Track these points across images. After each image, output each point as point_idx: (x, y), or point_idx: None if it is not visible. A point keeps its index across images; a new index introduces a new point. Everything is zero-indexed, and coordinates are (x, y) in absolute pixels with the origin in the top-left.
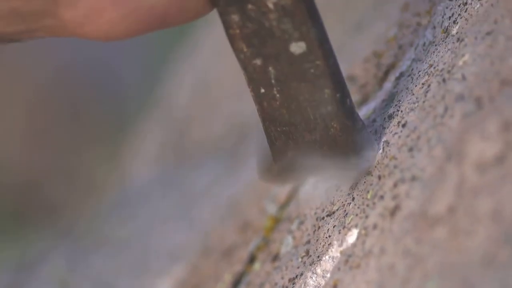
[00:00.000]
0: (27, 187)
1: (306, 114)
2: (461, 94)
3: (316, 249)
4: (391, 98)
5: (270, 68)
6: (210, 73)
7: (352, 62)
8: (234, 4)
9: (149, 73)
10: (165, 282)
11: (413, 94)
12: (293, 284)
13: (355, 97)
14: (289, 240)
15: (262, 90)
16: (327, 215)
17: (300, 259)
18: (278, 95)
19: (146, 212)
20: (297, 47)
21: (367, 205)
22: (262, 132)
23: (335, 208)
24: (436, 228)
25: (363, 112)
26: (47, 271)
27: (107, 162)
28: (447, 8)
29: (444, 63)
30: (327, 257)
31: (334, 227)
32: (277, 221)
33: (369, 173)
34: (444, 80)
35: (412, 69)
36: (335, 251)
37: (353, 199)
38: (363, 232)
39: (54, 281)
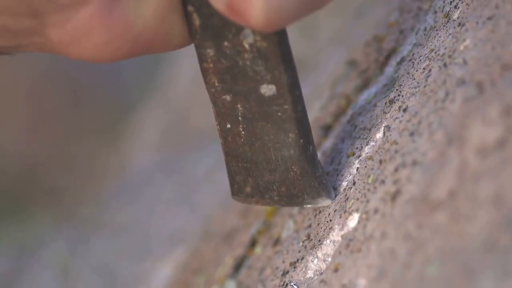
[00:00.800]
0: (28, 174)
1: (269, 154)
2: (462, 79)
3: (317, 233)
4: (392, 83)
5: (239, 106)
6: None
7: (353, 46)
8: (210, 39)
9: (149, 60)
10: (166, 266)
11: (414, 79)
12: (294, 268)
13: (356, 82)
14: (290, 224)
15: (228, 126)
16: None
17: (301, 243)
18: (243, 132)
19: (147, 197)
20: (268, 89)
21: (368, 190)
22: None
23: (336, 192)
24: (437, 212)
25: (364, 97)
26: (48, 255)
27: (108, 148)
28: None
29: (445, 48)
30: (328, 241)
31: (335, 211)
32: None
33: (370, 157)
34: (445, 64)
35: (413, 54)
36: (336, 235)
37: (354, 183)
38: (364, 216)
39: (55, 266)
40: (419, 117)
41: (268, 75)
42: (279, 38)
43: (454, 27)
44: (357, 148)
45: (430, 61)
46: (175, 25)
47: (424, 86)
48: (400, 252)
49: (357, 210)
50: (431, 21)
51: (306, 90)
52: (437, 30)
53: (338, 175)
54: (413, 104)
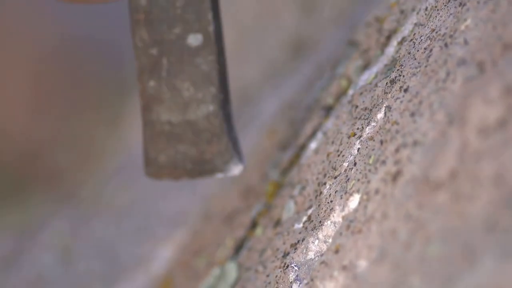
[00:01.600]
0: (28, 154)
1: (188, 114)
2: (463, 59)
3: (318, 215)
4: (393, 63)
5: (164, 60)
6: None
7: (354, 27)
8: None
9: None
10: (167, 247)
11: (415, 59)
12: (295, 249)
13: (357, 62)
14: (291, 205)
15: (151, 84)
16: (329, 180)
17: (302, 225)
18: (166, 88)
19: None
20: (195, 39)
21: (369, 170)
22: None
23: (337, 173)
24: (438, 192)
25: (365, 77)
26: (49, 237)
27: (109, 128)
28: None
29: (446, 28)
30: (329, 222)
31: (336, 192)
32: (279, 186)
33: (371, 138)
34: (446, 44)
35: (414, 34)
36: (337, 216)
37: (355, 164)
38: (365, 197)
39: (56, 247)
40: (420, 97)
41: (197, 24)
42: None
43: (455, 7)
44: (358, 128)
45: (431, 41)
46: None
47: (425, 66)
48: (401, 232)
49: (358, 191)
50: (432, 1)
51: (307, 70)
52: (438, 9)
53: (339, 155)
54: (414, 84)
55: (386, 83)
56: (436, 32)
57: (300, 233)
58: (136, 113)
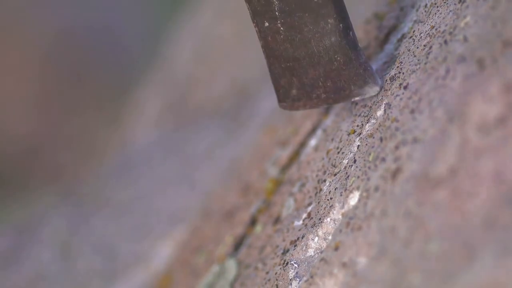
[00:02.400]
0: (29, 151)
1: (310, 47)
2: (463, 56)
3: (318, 212)
4: (392, 60)
5: (275, 0)
6: (211, 36)
7: (354, 24)
8: None
9: (150, 36)
10: (167, 244)
11: (415, 56)
12: (295, 246)
13: None
14: (291, 202)
15: (266, 24)
16: (329, 178)
17: (301, 222)
18: (282, 28)
19: (147, 174)
20: None
21: (369, 167)
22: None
23: (336, 170)
24: (437, 190)
25: None
26: (49, 233)
27: (109, 126)
28: None
29: (446, 25)
30: (328, 219)
31: (335, 189)
32: (278, 183)
33: (370, 135)
34: (445, 41)
35: (414, 31)
36: (336, 213)
37: (355, 161)
38: (364, 194)
39: (55, 244)
40: (419, 95)
41: None
42: None
43: (454, 4)
44: (357, 125)
45: (430, 38)
46: None
47: (425, 63)
48: (400, 229)
49: (357, 188)
50: None
51: None
52: (437, 6)
53: (338, 153)
54: (414, 82)
55: (386, 80)
56: (436, 29)
57: (299, 230)
58: (136, 112)
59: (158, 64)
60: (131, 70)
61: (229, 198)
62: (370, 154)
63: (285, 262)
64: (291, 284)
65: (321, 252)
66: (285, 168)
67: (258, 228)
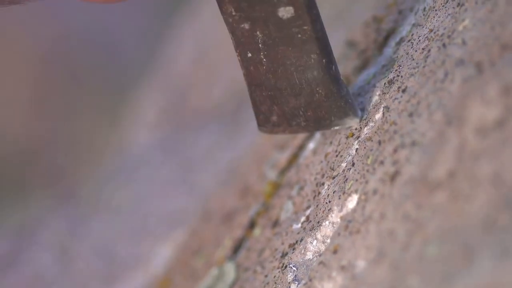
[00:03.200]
0: (27, 154)
1: (292, 79)
2: (461, 59)
3: (316, 215)
4: (391, 63)
5: (258, 32)
6: (209, 38)
7: (352, 27)
8: None
9: (149, 39)
10: (165, 247)
11: (413, 59)
12: (293, 249)
13: (355, 62)
14: (289, 205)
15: (249, 55)
16: (327, 181)
17: (300, 225)
18: (264, 60)
19: (146, 177)
20: (285, 12)
21: (367, 171)
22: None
23: (335, 173)
24: (436, 192)
25: (363, 77)
26: (47, 236)
27: (107, 128)
28: None
29: (444, 28)
30: (327, 222)
31: (334, 192)
32: (277, 186)
33: (369, 138)
34: (444, 45)
35: (412, 34)
36: (335, 217)
37: (353, 164)
38: (363, 197)
39: (54, 247)
40: (418, 98)
41: None
42: None
43: (453, 7)
44: (356, 129)
45: (429, 41)
46: None
47: (423, 67)
48: (399, 232)
49: (356, 191)
50: (430, 1)
51: None
52: (436, 10)
53: (337, 156)
54: (412, 85)
55: (384, 84)
56: (434, 33)
57: (298, 233)
58: (135, 114)
59: (157, 66)
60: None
61: (228, 200)
62: (368, 157)
63: (284, 265)
64: (289, 287)
65: (320, 255)
66: (283, 171)
67: (257, 231)
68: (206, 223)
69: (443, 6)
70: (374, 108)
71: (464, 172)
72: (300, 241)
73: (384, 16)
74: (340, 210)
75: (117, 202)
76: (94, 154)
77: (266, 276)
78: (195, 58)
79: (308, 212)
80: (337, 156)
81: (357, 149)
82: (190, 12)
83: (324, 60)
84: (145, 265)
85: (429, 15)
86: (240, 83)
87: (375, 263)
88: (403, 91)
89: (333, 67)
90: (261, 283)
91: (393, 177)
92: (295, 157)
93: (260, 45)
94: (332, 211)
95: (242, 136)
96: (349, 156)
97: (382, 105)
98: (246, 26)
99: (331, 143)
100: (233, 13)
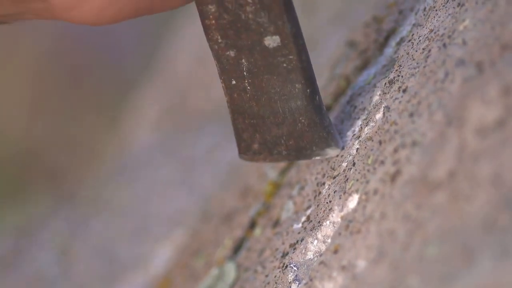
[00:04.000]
0: (28, 154)
1: (276, 108)
2: (462, 59)
3: (317, 215)
4: (391, 64)
5: (243, 60)
6: None
7: (353, 27)
8: None
9: (149, 39)
10: (166, 247)
11: (414, 59)
12: (294, 249)
13: (355, 62)
14: (290, 205)
15: (233, 82)
16: (328, 180)
17: (300, 225)
18: (249, 88)
19: (146, 177)
20: (272, 41)
21: (368, 170)
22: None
23: (335, 173)
24: (436, 193)
25: (363, 78)
26: (48, 237)
27: (107, 129)
28: None
29: (445, 28)
30: (327, 222)
31: (334, 192)
32: (277, 186)
33: (369, 138)
34: (444, 45)
35: (413, 34)
36: (335, 216)
37: (354, 164)
38: (363, 197)
39: (54, 247)
40: (418, 98)
41: (272, 26)
42: None
43: (453, 7)
44: (356, 129)
45: (429, 41)
46: None
47: (424, 67)
48: (399, 232)
49: (356, 191)
50: (430, 1)
51: None
52: (436, 10)
53: (337, 155)
54: (413, 85)
55: (385, 84)
56: (435, 33)
57: (299, 233)
58: (135, 114)
59: (157, 66)
60: (130, 72)
61: (228, 201)
62: (369, 157)
63: (285, 265)
64: (290, 287)
65: (320, 255)
66: (284, 171)
67: (258, 231)
68: (206, 224)
69: (443, 6)
70: (374, 108)
71: (464, 172)
72: (301, 241)
73: (385, 16)
74: (341, 210)
75: (117, 202)
76: (94, 155)
77: (266, 276)
78: (196, 58)
79: (308, 212)
80: (337, 156)
81: (357, 148)
82: (191, 12)
83: (308, 90)
84: (145, 266)
85: (429, 15)
86: None
87: (375, 263)
88: (404, 91)
89: (317, 97)
90: (262, 283)
91: (394, 177)
92: None
93: (245, 72)
94: (333, 211)
95: None
96: (349, 155)
97: (383, 105)
98: (232, 53)
99: None
100: (219, 40)
